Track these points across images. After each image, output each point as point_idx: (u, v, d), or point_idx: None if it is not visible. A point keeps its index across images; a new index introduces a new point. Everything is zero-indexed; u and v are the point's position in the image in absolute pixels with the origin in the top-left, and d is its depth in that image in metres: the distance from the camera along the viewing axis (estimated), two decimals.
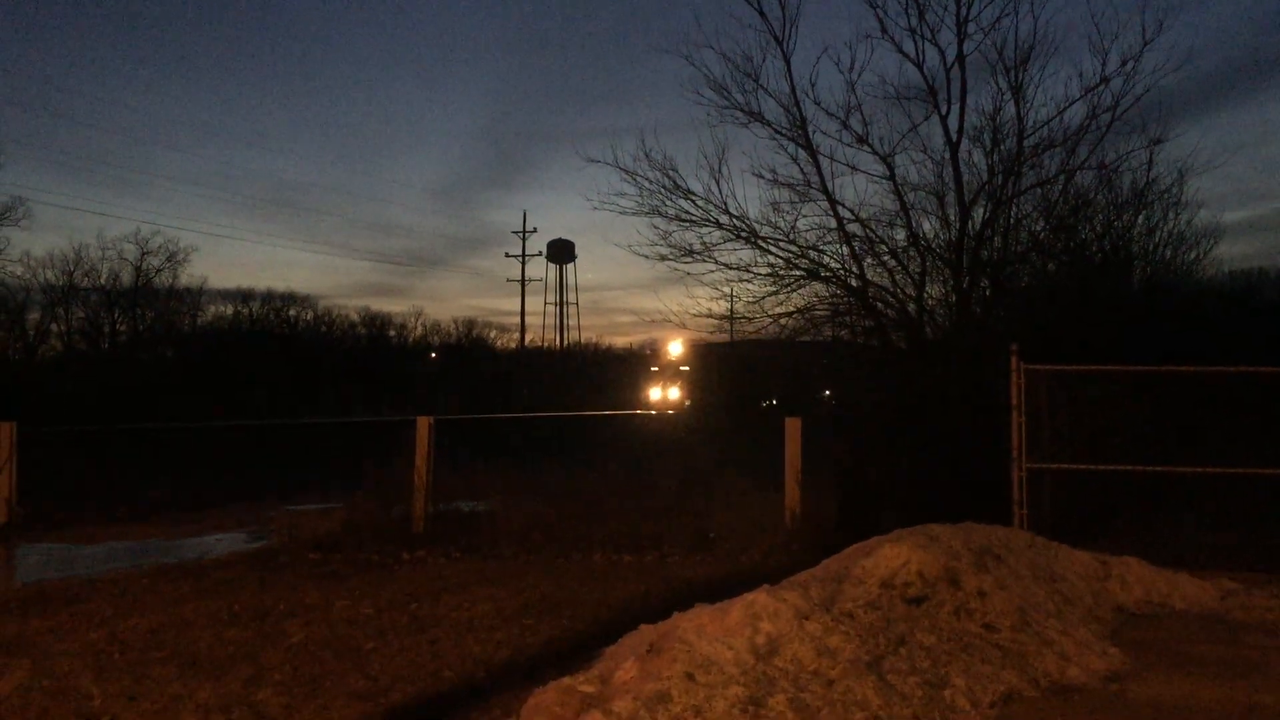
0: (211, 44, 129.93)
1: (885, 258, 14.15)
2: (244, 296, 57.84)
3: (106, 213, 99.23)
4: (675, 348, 61.37)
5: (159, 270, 49.68)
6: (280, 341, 55.09)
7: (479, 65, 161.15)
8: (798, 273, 14.15)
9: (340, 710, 5.57)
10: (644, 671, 4.93)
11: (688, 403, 54.62)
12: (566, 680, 5.01)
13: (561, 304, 79.34)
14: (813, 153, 13.99)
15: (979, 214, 13.80)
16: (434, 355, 64.77)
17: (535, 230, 72.94)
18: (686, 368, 59.36)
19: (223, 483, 17.84)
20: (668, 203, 14.26)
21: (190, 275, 59.77)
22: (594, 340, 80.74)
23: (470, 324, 74.14)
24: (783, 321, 14.47)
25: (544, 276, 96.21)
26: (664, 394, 58.20)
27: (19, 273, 45.49)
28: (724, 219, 14.12)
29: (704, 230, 14.22)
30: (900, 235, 14.16)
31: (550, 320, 78.48)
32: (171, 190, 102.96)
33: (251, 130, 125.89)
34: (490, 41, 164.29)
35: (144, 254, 49.02)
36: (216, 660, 6.50)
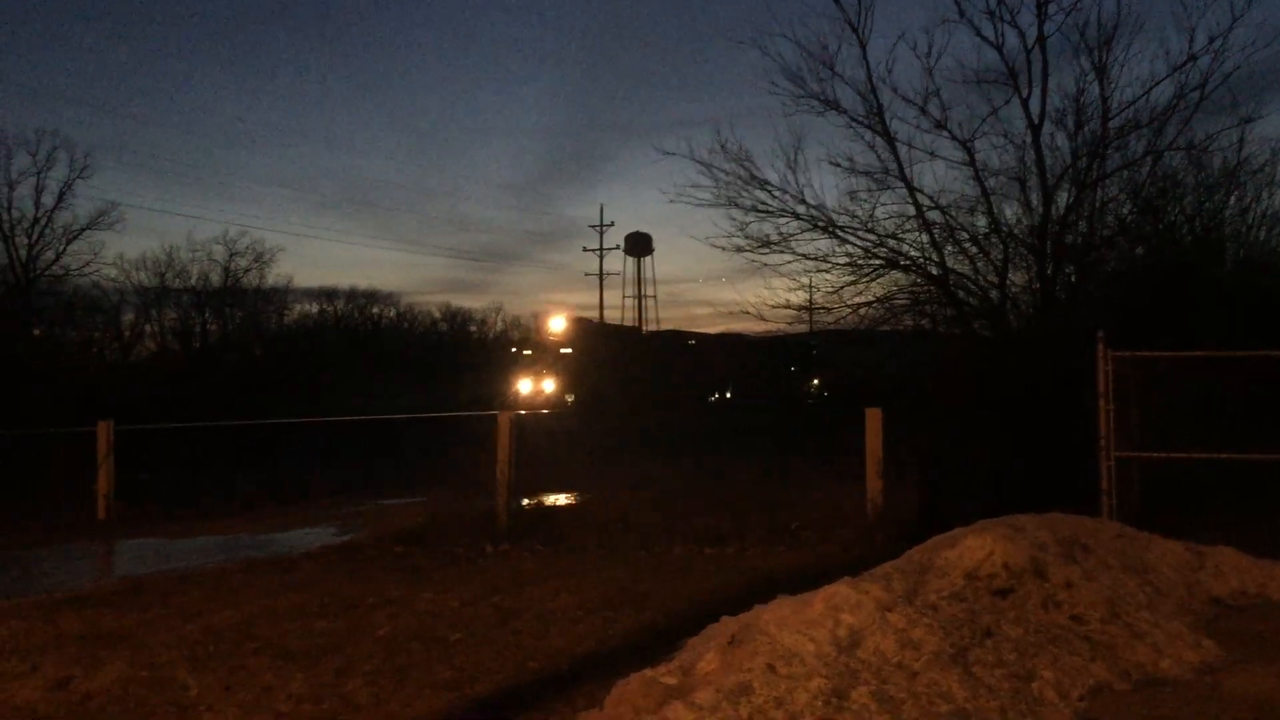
0: (290, 48, 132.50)
1: (966, 244, 13.94)
2: (328, 295, 59.07)
3: (196, 215, 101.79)
4: (558, 324, 48.75)
5: (247, 270, 50.94)
6: (364, 338, 56.04)
7: (553, 59, 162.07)
8: (876, 262, 14.01)
9: (427, 700, 5.66)
10: (725, 663, 4.94)
11: (570, 398, 44.01)
12: (649, 671, 5.04)
13: (640, 297, 79.50)
14: (890, 140, 13.83)
15: (1063, 198, 13.52)
16: (515, 350, 64.87)
17: (613, 224, 73.33)
18: (569, 350, 47.12)
19: (310, 478, 18.25)
20: (744, 194, 14.22)
21: (277, 275, 60.99)
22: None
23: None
24: (862, 311, 14.33)
25: (622, 270, 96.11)
26: (536, 386, 45.08)
27: (113, 275, 46.99)
28: (800, 209, 14.04)
29: (781, 221, 14.15)
30: (981, 221, 13.93)
31: (629, 314, 78.62)
32: (257, 192, 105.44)
33: (331, 131, 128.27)
34: (564, 35, 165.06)
35: (232, 255, 50.30)
36: (307, 651, 6.65)
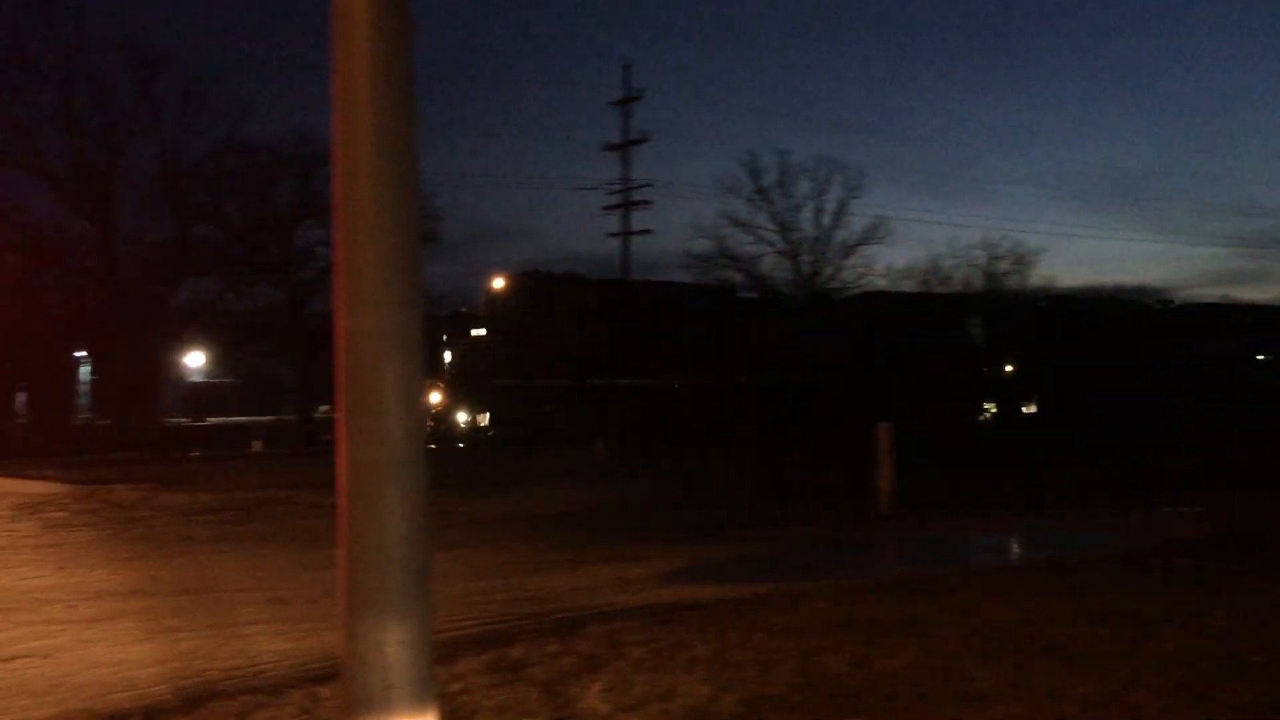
0: (1040, 46, 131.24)
1: None
2: (1094, 293, 57.45)
3: (956, 223, 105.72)
4: (499, 286, 29.51)
5: (1007, 273, 51.24)
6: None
7: None
8: None
9: None
10: None
11: (479, 420, 25.97)
12: None
13: None
14: None
15: None
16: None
17: None
18: (483, 332, 28.53)
19: (1077, 482, 17.96)
20: None
21: (1039, 276, 60.79)
22: None
23: None
24: None
25: None
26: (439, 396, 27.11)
27: (882, 285, 50.37)
28: None
29: None
30: None
31: None
32: (1015, 194, 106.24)
33: (1082, 124, 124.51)
34: None
35: (993, 258, 50.94)
36: (1089, 656, 6.57)
